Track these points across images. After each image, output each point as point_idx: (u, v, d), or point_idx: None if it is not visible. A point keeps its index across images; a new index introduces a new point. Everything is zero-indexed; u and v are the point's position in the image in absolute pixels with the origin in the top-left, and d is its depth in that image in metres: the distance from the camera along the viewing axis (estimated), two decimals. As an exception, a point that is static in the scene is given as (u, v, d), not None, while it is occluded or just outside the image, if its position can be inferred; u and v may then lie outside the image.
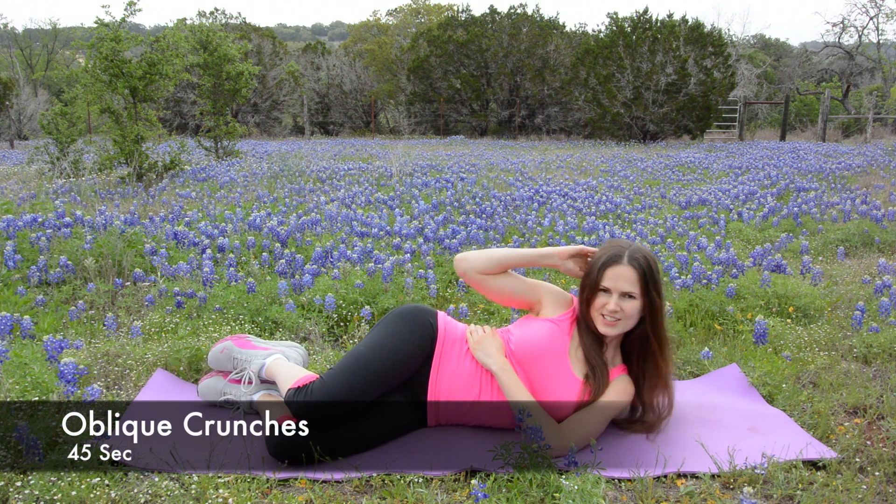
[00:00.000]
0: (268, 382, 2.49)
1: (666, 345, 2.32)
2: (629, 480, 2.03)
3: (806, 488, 1.97)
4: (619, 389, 2.28)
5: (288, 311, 3.41)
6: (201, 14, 27.31)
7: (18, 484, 1.87)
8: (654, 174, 10.19)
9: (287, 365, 2.43)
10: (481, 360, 2.28)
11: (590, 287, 2.27)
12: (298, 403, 2.14)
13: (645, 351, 2.31)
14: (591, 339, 2.29)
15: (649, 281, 2.23)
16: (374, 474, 2.05)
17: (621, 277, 2.22)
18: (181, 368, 2.84)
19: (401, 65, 27.02)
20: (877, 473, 2.04)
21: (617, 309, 2.21)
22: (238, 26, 27.19)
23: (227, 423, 2.41)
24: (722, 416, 2.45)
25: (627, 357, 2.35)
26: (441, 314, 2.42)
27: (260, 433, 2.33)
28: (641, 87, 19.33)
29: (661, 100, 19.42)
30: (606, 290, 2.23)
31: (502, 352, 2.29)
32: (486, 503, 1.78)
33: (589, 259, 2.38)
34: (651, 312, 2.26)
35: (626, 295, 2.22)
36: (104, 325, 3.26)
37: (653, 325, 2.27)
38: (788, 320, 3.44)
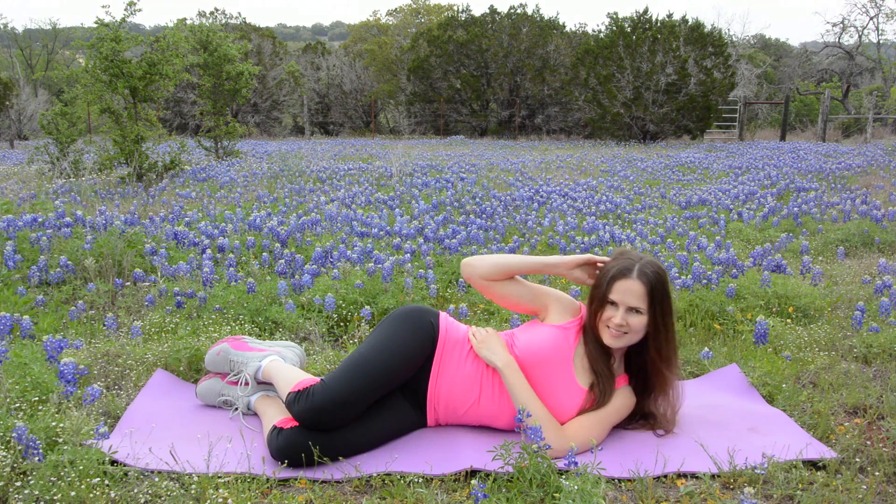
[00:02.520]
0: (265, 384, 2.48)
1: (672, 362, 2.28)
2: (629, 480, 2.03)
3: (806, 488, 1.97)
4: (622, 401, 2.28)
5: (288, 312, 3.41)
6: (201, 14, 27.33)
7: (18, 484, 1.87)
8: (654, 174, 10.19)
9: (284, 367, 2.43)
10: (486, 357, 2.27)
11: (598, 299, 2.25)
12: (299, 407, 2.13)
13: (648, 366, 2.29)
14: (597, 349, 2.28)
15: (657, 296, 2.19)
16: (374, 474, 2.05)
17: (629, 292, 2.18)
18: (181, 368, 2.84)
19: (401, 65, 27.03)
20: (877, 473, 2.04)
21: (623, 323, 2.19)
22: (238, 26, 27.20)
23: (227, 423, 2.42)
24: (722, 416, 2.45)
25: (630, 368, 2.34)
26: (442, 315, 2.41)
27: (259, 434, 2.33)
28: (641, 87, 19.32)
29: (661, 100, 19.42)
30: (614, 304, 2.21)
31: (507, 350, 2.29)
32: (486, 503, 1.78)
33: (598, 269, 2.36)
34: (655, 329, 2.22)
35: (634, 310, 2.19)
36: (104, 325, 3.26)
37: (656, 342, 2.24)
38: (788, 320, 3.44)
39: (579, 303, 2.41)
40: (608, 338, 2.23)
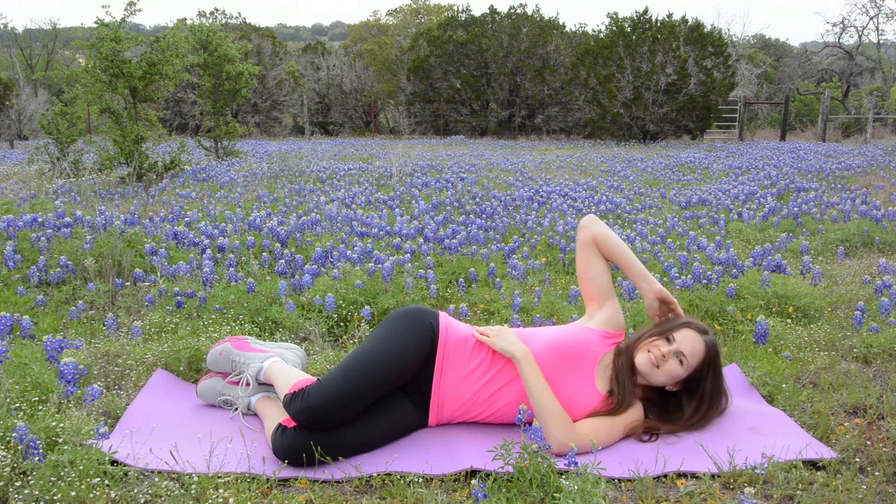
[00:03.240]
0: (265, 385, 2.49)
1: (697, 429, 2.33)
2: (629, 480, 2.03)
3: (806, 488, 1.97)
4: (635, 416, 2.30)
5: (288, 312, 3.41)
6: (201, 14, 27.35)
7: (18, 484, 1.87)
8: (654, 174, 10.19)
9: (284, 368, 2.43)
10: (502, 348, 2.29)
11: (660, 330, 2.33)
12: (295, 408, 2.13)
13: (676, 417, 2.33)
14: (627, 363, 2.33)
15: (712, 363, 2.28)
16: (374, 474, 2.05)
17: (691, 341, 2.27)
18: (181, 368, 2.83)
19: (401, 65, 27.04)
20: (877, 473, 2.04)
21: (665, 356, 2.25)
22: (238, 26, 27.21)
23: (227, 423, 2.42)
24: (722, 416, 2.45)
25: (652, 412, 2.35)
26: (442, 315, 2.41)
27: (260, 434, 2.33)
28: (641, 87, 19.33)
29: (661, 100, 19.43)
30: (669, 340, 2.28)
31: (520, 342, 2.30)
32: (486, 503, 1.78)
33: (670, 314, 2.46)
34: (703, 397, 2.29)
35: (681, 357, 2.25)
36: (104, 325, 3.26)
37: (700, 409, 2.30)
38: (788, 320, 3.44)
39: (624, 323, 2.48)
40: (641, 358, 2.29)
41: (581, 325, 2.45)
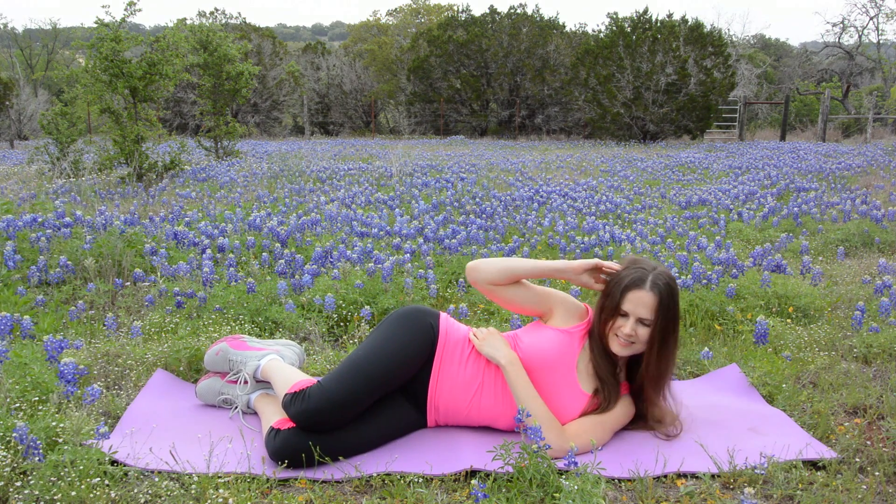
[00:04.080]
0: (264, 382, 2.48)
1: (661, 381, 2.28)
2: (629, 480, 2.03)
3: (806, 488, 1.97)
4: (624, 409, 2.28)
5: (288, 312, 3.41)
6: (201, 14, 27.34)
7: (18, 484, 1.87)
8: (654, 174, 10.19)
9: (282, 366, 2.43)
10: (488, 354, 2.26)
11: (609, 309, 2.23)
12: (295, 409, 2.13)
13: (651, 376, 2.27)
14: (603, 356, 2.27)
15: (664, 308, 2.18)
16: (374, 474, 2.05)
17: (641, 303, 2.17)
18: (181, 368, 2.84)
19: (401, 65, 27.03)
20: (877, 473, 2.04)
21: (632, 333, 2.19)
22: (238, 26, 27.20)
23: (227, 423, 2.42)
24: (722, 416, 2.45)
25: (630, 375, 2.33)
26: (443, 315, 2.41)
27: (259, 434, 2.33)
28: (641, 87, 19.32)
29: (661, 100, 19.42)
30: (624, 314, 2.20)
31: (509, 347, 2.28)
32: (486, 503, 1.78)
33: (606, 275, 2.33)
34: (662, 337, 2.21)
35: (644, 321, 2.19)
36: (104, 325, 3.26)
37: (652, 354, 2.22)
38: (788, 320, 3.44)
39: (584, 305, 2.40)
40: (616, 346, 2.22)
41: (547, 328, 2.36)
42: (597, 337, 2.27)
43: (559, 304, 2.37)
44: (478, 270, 2.38)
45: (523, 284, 2.40)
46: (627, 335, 2.19)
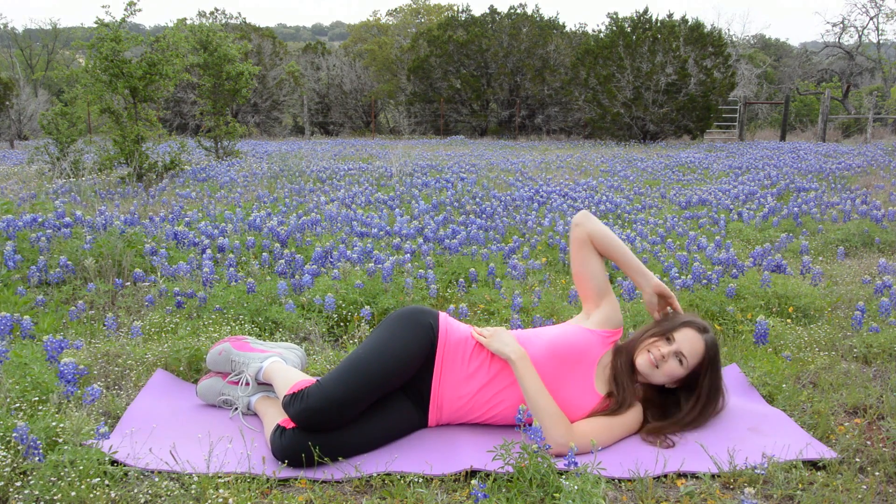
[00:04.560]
0: (265, 384, 2.49)
1: (699, 426, 2.33)
2: (629, 480, 2.03)
3: (806, 488, 1.97)
4: (634, 417, 2.30)
5: (288, 312, 3.41)
6: (201, 14, 27.35)
7: (18, 484, 1.87)
8: (654, 174, 10.19)
9: (284, 368, 2.43)
10: (497, 349, 2.28)
11: (661, 331, 2.32)
12: (294, 409, 2.13)
13: (682, 426, 2.32)
14: (626, 365, 2.33)
15: (711, 362, 2.27)
16: (374, 474, 2.05)
17: (691, 341, 2.26)
18: (181, 368, 2.84)
19: (401, 65, 27.04)
20: (877, 473, 2.04)
21: (665, 357, 2.26)
22: (238, 26, 27.20)
23: (227, 423, 2.42)
24: (722, 416, 2.44)
25: (652, 411, 2.36)
26: (442, 315, 2.41)
27: (260, 434, 2.33)
28: (641, 87, 19.32)
29: (661, 100, 19.42)
30: (669, 340, 2.28)
31: (517, 342, 2.29)
32: (486, 503, 1.78)
33: (669, 308, 2.45)
34: (709, 392, 2.29)
35: (681, 356, 2.25)
36: (104, 325, 3.26)
37: (698, 406, 2.30)
38: (788, 320, 3.44)
39: (621, 320, 2.47)
40: (641, 359, 2.29)
41: (578, 326, 2.43)
42: (626, 349, 2.35)
43: (610, 304, 2.45)
44: (589, 219, 2.48)
45: (603, 263, 2.49)
46: (660, 356, 2.25)
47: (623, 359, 2.33)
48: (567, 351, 2.31)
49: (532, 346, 2.31)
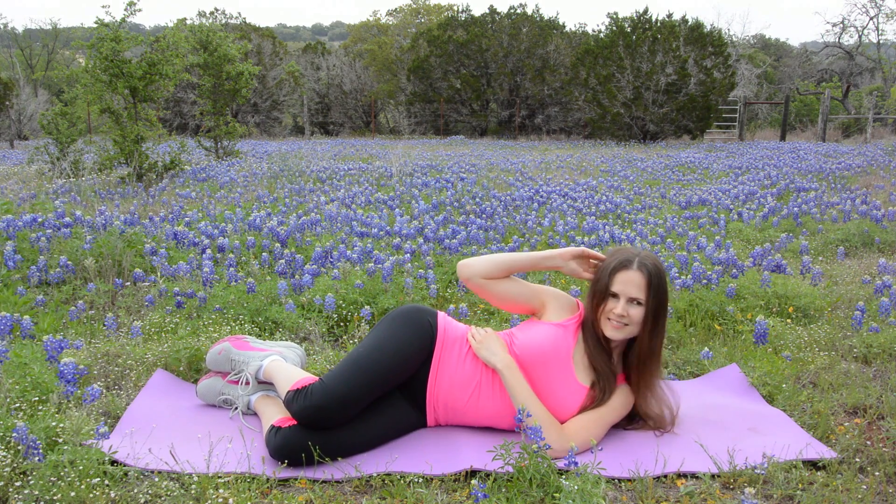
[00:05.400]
0: (265, 383, 2.49)
1: (656, 355, 2.31)
2: (629, 480, 2.03)
3: (806, 488, 1.97)
4: (621, 399, 2.29)
5: (288, 312, 3.41)
6: (201, 14, 27.33)
7: (18, 484, 1.87)
8: (654, 174, 10.19)
9: (284, 366, 2.43)
10: (485, 358, 2.27)
11: (599, 292, 2.27)
12: (298, 405, 2.13)
13: (643, 358, 2.29)
14: (597, 346, 2.29)
15: (654, 287, 2.23)
16: (374, 474, 2.05)
17: (630, 282, 2.22)
18: (181, 368, 2.84)
19: (401, 65, 27.03)
20: (877, 473, 2.04)
21: (624, 314, 2.21)
22: (238, 26, 27.19)
23: (227, 423, 2.42)
24: (722, 416, 2.45)
25: (627, 365, 2.34)
26: (441, 314, 2.41)
27: (259, 434, 2.33)
28: (641, 87, 19.32)
29: (661, 100, 19.42)
30: (615, 296, 2.24)
31: (506, 350, 2.29)
32: (486, 503, 1.78)
33: (593, 262, 2.40)
34: (654, 317, 2.25)
35: (634, 301, 2.22)
36: (104, 325, 3.26)
37: (645, 333, 2.25)
38: (788, 320, 3.44)
39: (576, 299, 2.43)
40: (609, 329, 2.25)
41: (541, 324, 2.37)
42: (590, 326, 2.30)
43: (551, 299, 2.40)
44: (469, 266, 2.42)
45: (515, 280, 2.44)
46: (619, 315, 2.22)
47: (591, 340, 2.29)
48: (539, 354, 2.28)
49: (515, 348, 2.30)
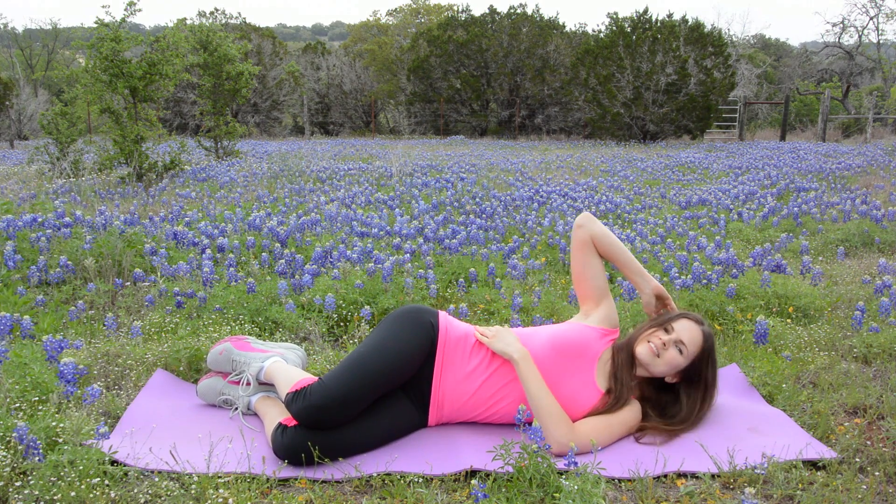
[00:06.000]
0: (266, 384, 2.49)
1: (697, 421, 2.35)
2: (629, 480, 2.03)
3: (806, 488, 1.97)
4: (632, 413, 2.31)
5: (288, 312, 3.41)
6: (201, 14, 27.34)
7: (18, 484, 1.87)
8: (654, 174, 10.19)
9: (285, 367, 2.43)
10: (500, 350, 2.29)
11: (658, 323, 2.36)
12: (298, 406, 2.13)
13: (678, 410, 2.33)
14: (626, 360, 2.34)
15: (706, 353, 2.29)
16: (374, 474, 2.05)
17: (689, 331, 2.29)
18: (181, 368, 2.84)
19: (401, 65, 27.03)
20: (877, 473, 2.04)
21: (665, 345, 2.27)
22: (238, 26, 27.20)
23: (227, 423, 2.42)
24: (722, 416, 2.44)
25: (646, 398, 2.37)
26: (442, 314, 2.42)
27: (260, 434, 2.33)
28: (641, 87, 19.32)
29: (661, 100, 19.42)
30: (668, 331, 2.31)
31: (519, 342, 2.30)
32: (486, 503, 1.78)
33: (664, 309, 2.49)
34: (688, 379, 2.31)
35: (682, 345, 2.27)
36: (104, 325, 3.26)
37: (697, 396, 2.32)
38: (788, 320, 3.44)
39: (618, 322, 2.51)
40: (642, 348, 2.30)
41: (579, 323, 2.45)
42: (626, 345, 2.37)
43: (608, 306, 2.48)
44: (592, 221, 2.51)
45: (603, 265, 2.52)
46: (660, 344, 2.27)
47: (623, 354, 2.35)
48: (568, 345, 2.33)
49: (533, 343, 2.32)
